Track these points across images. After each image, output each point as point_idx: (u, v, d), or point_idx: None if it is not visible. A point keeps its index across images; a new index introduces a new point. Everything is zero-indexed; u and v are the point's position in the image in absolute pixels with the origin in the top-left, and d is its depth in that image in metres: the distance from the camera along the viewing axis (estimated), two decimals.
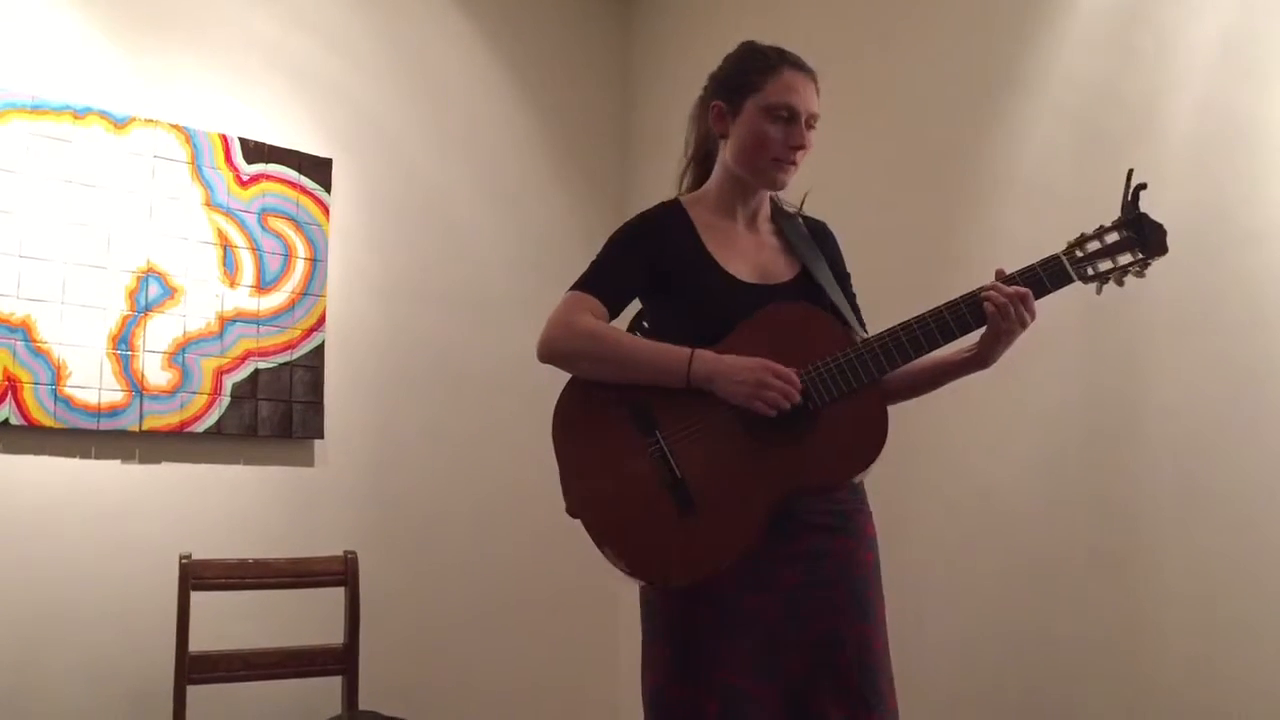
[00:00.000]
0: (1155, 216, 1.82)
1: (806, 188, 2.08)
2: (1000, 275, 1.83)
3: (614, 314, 1.95)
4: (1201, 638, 2.51)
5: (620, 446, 1.84)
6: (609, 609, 3.88)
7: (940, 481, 3.04)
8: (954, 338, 1.83)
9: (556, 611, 3.79)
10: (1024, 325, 1.80)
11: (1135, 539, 2.64)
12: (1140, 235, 1.80)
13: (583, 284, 1.96)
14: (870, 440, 1.81)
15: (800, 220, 2.06)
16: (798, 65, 1.96)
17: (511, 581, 3.70)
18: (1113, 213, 2.72)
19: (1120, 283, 1.82)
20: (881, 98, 3.31)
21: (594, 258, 2.00)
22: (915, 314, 1.83)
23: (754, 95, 1.93)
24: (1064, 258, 1.81)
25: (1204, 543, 2.52)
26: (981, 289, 1.81)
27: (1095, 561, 2.70)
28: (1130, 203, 1.81)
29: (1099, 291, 1.83)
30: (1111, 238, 1.81)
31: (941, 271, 3.08)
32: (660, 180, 4.03)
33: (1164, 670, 2.56)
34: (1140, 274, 1.82)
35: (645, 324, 2.03)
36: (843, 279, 2.05)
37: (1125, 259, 1.81)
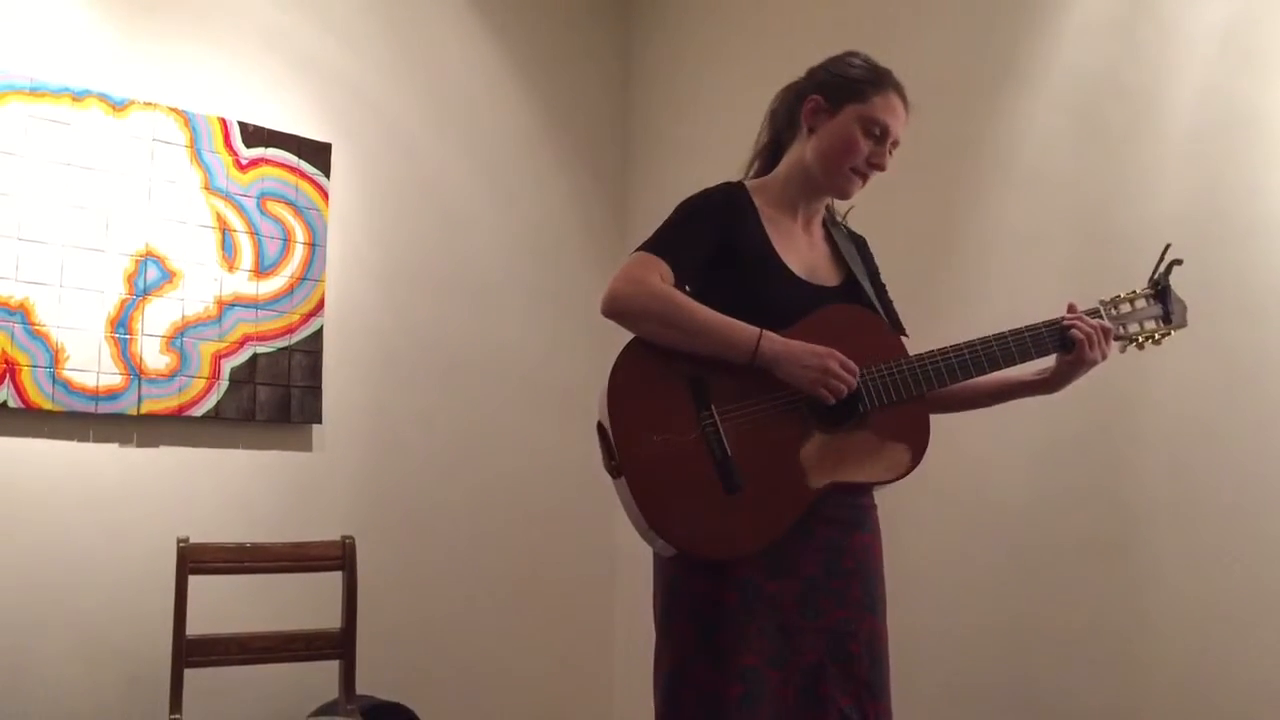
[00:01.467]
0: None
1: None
2: (1074, 308, 1.95)
3: (681, 283, 1.92)
4: (1197, 630, 2.51)
5: (675, 416, 1.83)
6: (606, 594, 3.89)
7: (936, 474, 3.01)
8: (1028, 359, 1.93)
9: (553, 596, 3.80)
10: (1104, 358, 1.93)
11: (1131, 532, 2.64)
12: (1165, 307, 1.97)
13: (653, 246, 1.92)
14: (912, 450, 1.88)
15: (846, 230, 2.12)
16: (903, 94, 1.99)
17: (508, 566, 3.71)
18: (1116, 202, 2.72)
19: (1141, 347, 1.98)
20: None
21: (664, 223, 1.97)
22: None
23: (857, 103, 1.95)
24: (1104, 309, 1.97)
25: (1200, 536, 2.52)
26: (1064, 318, 1.92)
27: (1091, 554, 2.71)
28: (1161, 275, 1.97)
29: (1123, 350, 1.98)
30: (1140, 304, 1.98)
31: (942, 261, 3.08)
32: (660, 166, 4.05)
33: (1160, 663, 2.57)
34: (1159, 343, 1.98)
35: None
36: (880, 290, 2.10)
37: (1150, 326, 1.98)
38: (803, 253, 2.00)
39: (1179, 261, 1.94)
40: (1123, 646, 2.63)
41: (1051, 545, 2.78)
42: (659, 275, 1.87)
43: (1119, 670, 2.64)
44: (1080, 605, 2.71)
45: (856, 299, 1.99)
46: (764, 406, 1.84)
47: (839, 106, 1.96)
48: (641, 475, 1.80)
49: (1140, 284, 2.00)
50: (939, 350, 1.90)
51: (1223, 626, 2.47)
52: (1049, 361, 1.97)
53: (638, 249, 1.92)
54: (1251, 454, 2.46)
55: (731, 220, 1.95)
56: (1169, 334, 1.98)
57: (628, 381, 1.85)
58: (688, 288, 1.94)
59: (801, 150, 2.00)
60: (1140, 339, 1.97)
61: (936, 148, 3.15)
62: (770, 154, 2.10)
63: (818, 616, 1.84)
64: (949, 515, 3.00)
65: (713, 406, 1.83)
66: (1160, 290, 1.97)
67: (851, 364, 1.83)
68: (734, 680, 1.78)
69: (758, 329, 1.84)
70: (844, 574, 1.87)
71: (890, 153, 1.98)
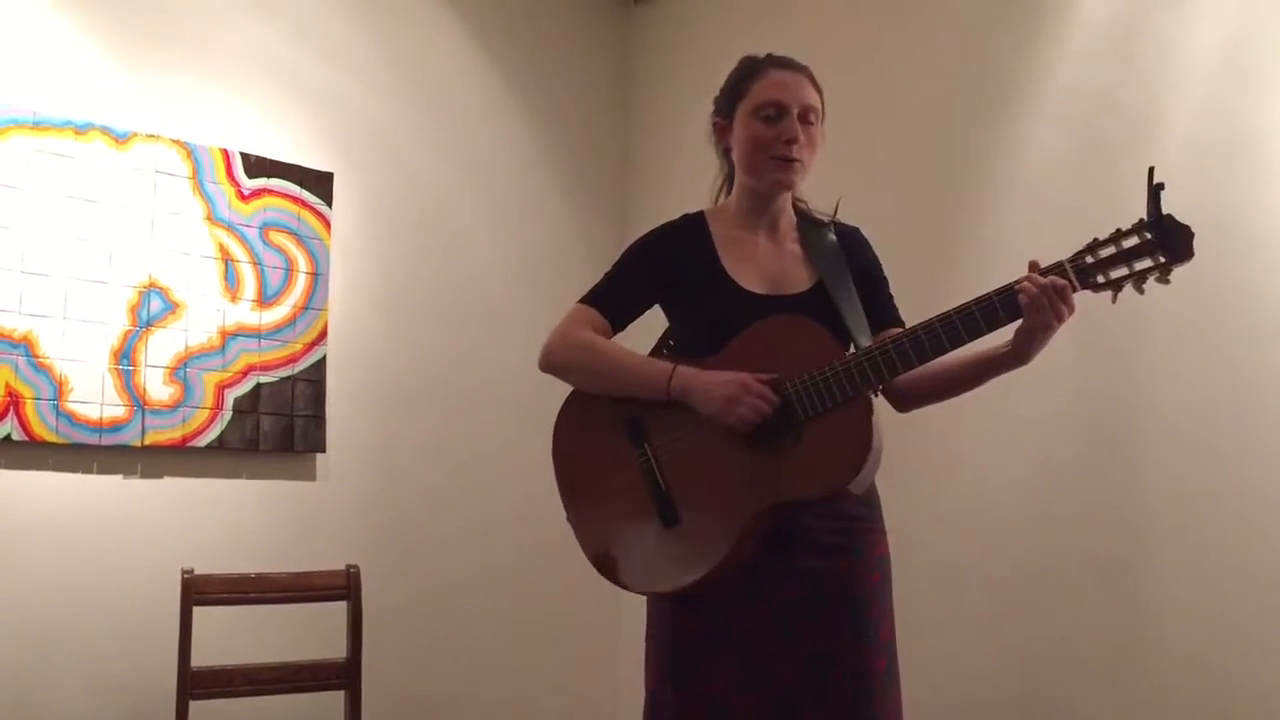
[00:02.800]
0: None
1: (838, 195, 2.06)
2: (1034, 267, 1.72)
3: (618, 327, 2.00)
4: (1201, 643, 2.50)
5: (612, 457, 1.89)
6: (611, 623, 3.87)
7: (939, 489, 3.03)
8: (979, 334, 1.73)
9: (558, 625, 3.78)
10: (1060, 319, 1.69)
11: (1134, 545, 2.63)
12: (1163, 238, 1.65)
13: (589, 297, 2.01)
14: (848, 455, 1.75)
15: (830, 229, 2.04)
16: (784, 64, 1.97)
17: (514, 595, 3.69)
18: (1115, 219, 2.71)
19: (1140, 289, 1.69)
20: (882, 106, 3.31)
21: (610, 267, 2.05)
22: (924, 318, 1.77)
23: (743, 101, 1.96)
24: (1068, 265, 1.70)
25: (1203, 549, 2.51)
26: (1016, 282, 1.71)
27: (1094, 568, 2.70)
28: (1152, 203, 1.66)
29: (1114, 300, 1.72)
30: (1129, 242, 1.67)
31: (942, 278, 3.07)
32: (661, 192, 4.06)
33: (1164, 676, 2.55)
34: (1163, 279, 1.67)
35: (671, 342, 2.04)
36: (877, 282, 2.02)
37: (1144, 264, 1.66)
38: (765, 264, 1.96)
39: (1161, 186, 1.65)
40: (1128, 663, 2.62)
41: (1056, 562, 2.77)
42: (590, 325, 1.95)
43: (1125, 687, 2.62)
44: (1085, 622, 2.70)
45: (820, 305, 1.91)
46: (698, 435, 1.83)
47: (731, 115, 1.99)
48: (585, 524, 1.90)
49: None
50: (876, 343, 1.78)
51: (1229, 642, 2.46)
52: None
53: (579, 300, 2.01)
54: (1256, 469, 2.45)
55: (673, 253, 1.98)
56: (1171, 269, 1.66)
57: (568, 432, 1.97)
58: (671, 341, 2.00)
59: (736, 169, 2.02)
60: (1130, 281, 1.67)
61: (935, 166, 3.16)
62: (729, 183, 2.10)
63: (795, 643, 1.79)
64: (953, 531, 2.99)
65: (646, 444, 1.87)
66: (1154, 221, 1.65)
67: (759, 386, 1.77)
68: (697, 706, 1.80)
69: (671, 365, 1.86)
70: (826, 599, 1.82)
71: (809, 120, 1.92)
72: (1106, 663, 2.65)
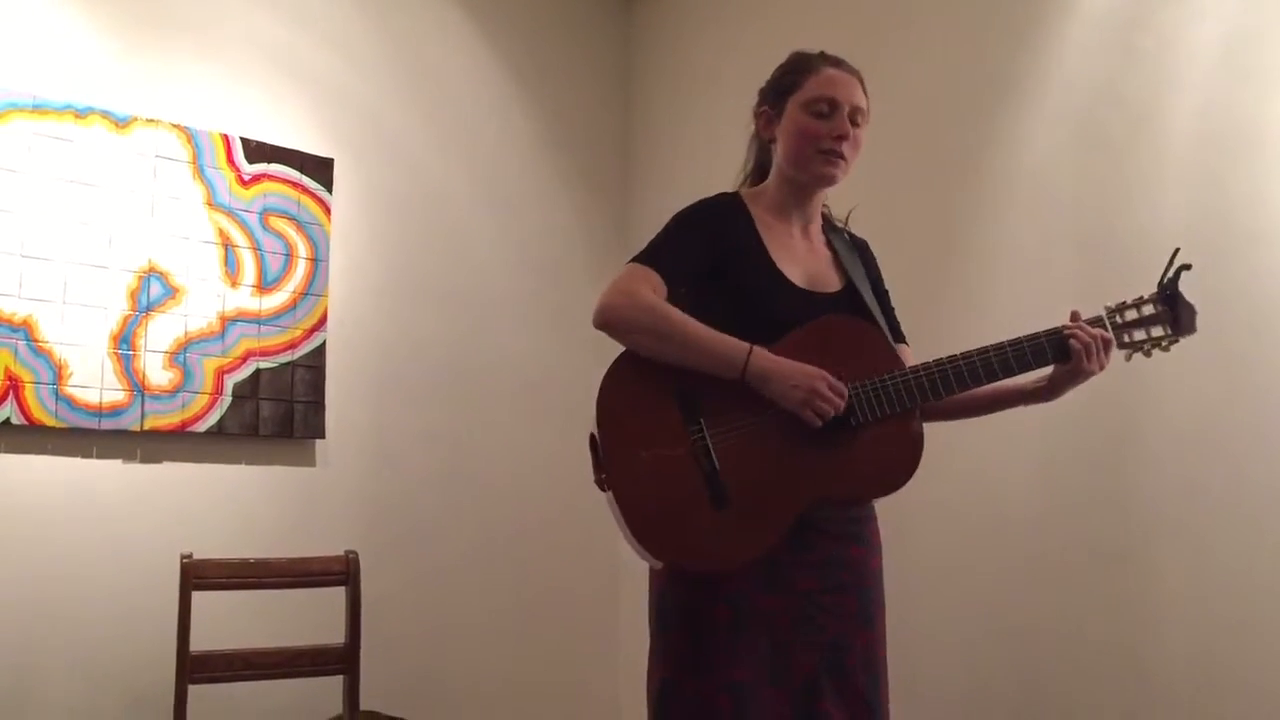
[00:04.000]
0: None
1: (851, 204, 2.09)
2: (1076, 317, 1.88)
3: (673, 294, 1.91)
4: (1203, 639, 2.51)
5: (664, 430, 1.83)
6: (610, 607, 3.88)
7: (941, 484, 3.03)
8: (1026, 370, 1.88)
9: (558, 610, 3.79)
10: (1101, 369, 1.86)
11: (1137, 541, 2.64)
12: (1174, 313, 1.86)
13: (646, 258, 1.92)
14: (902, 466, 1.85)
15: (847, 236, 2.08)
16: (838, 63, 1.99)
17: (512, 580, 3.70)
18: (1116, 213, 2.72)
19: (1148, 354, 1.89)
20: (882, 101, 3.28)
21: (657, 234, 1.96)
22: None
23: (795, 94, 1.96)
24: (1107, 319, 1.88)
25: (1206, 544, 2.52)
26: (1065, 327, 1.86)
27: (1097, 565, 2.70)
28: (1170, 280, 1.87)
29: (1128, 359, 1.91)
30: (1147, 310, 1.88)
31: (945, 273, 3.08)
32: (661, 181, 4.06)
33: (1166, 671, 2.56)
34: (1166, 349, 1.88)
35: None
36: (882, 296, 2.08)
37: (1157, 332, 1.87)
38: (801, 259, 1.98)
39: (1188, 266, 1.86)
40: (1130, 658, 2.63)
41: (1058, 556, 2.78)
42: (651, 287, 1.87)
43: (1126, 681, 2.63)
44: (1087, 616, 2.71)
45: (856, 306, 1.96)
46: (754, 421, 1.83)
47: (782, 106, 1.99)
48: (629, 490, 1.81)
49: (1146, 290, 1.91)
50: (934, 361, 1.86)
51: (1230, 637, 2.47)
52: (1048, 369, 1.93)
53: (631, 260, 1.92)
54: (1257, 464, 2.46)
55: (725, 229, 1.95)
56: (1177, 340, 1.88)
57: (617, 396, 1.86)
58: (684, 294, 1.92)
59: (778, 160, 2.01)
60: (1147, 347, 1.89)
61: (938, 161, 3.16)
62: (757, 174, 2.10)
63: (813, 631, 1.82)
64: (955, 526, 3.00)
65: (702, 421, 1.83)
66: (1168, 295, 1.87)
67: (840, 385, 1.80)
68: (722, 693, 1.78)
69: (748, 345, 1.82)
70: (840, 588, 1.85)
71: (856, 122, 1.95)
72: (1107, 657, 2.66)
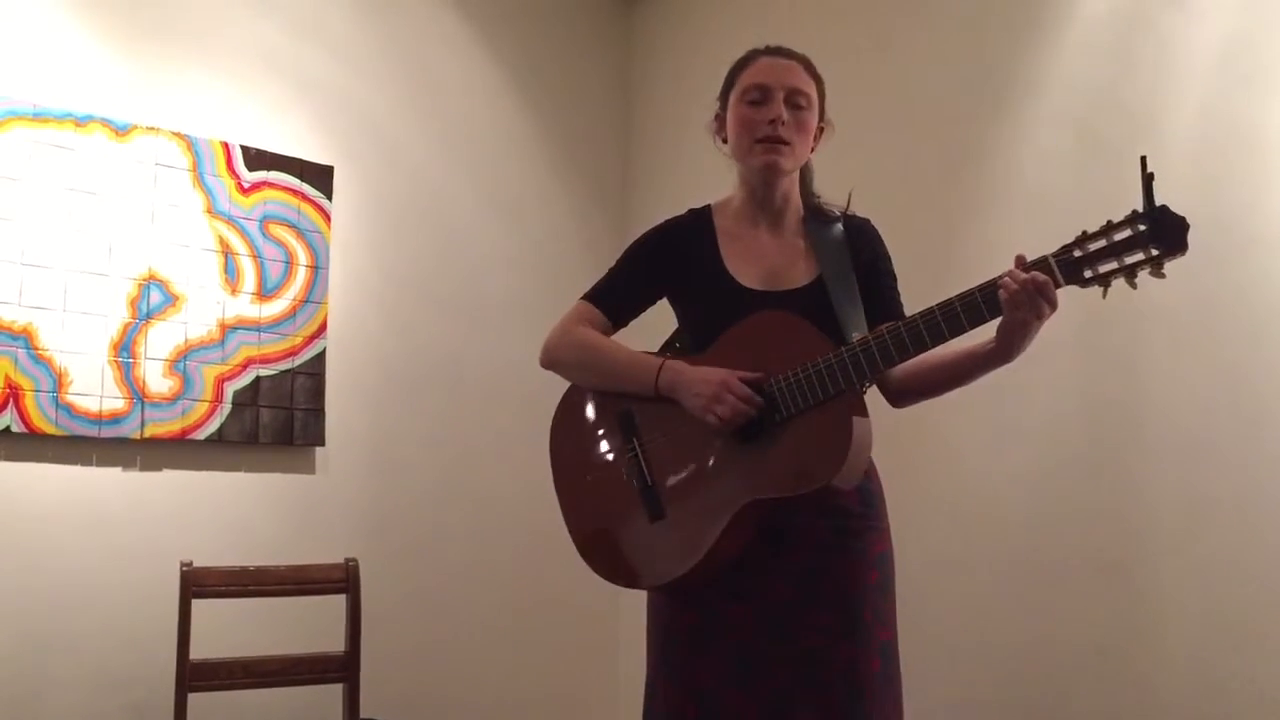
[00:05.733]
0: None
1: (849, 186, 2.03)
2: (1020, 262, 1.65)
3: (619, 325, 2.02)
4: (1203, 645, 2.50)
5: (603, 452, 1.92)
6: (609, 616, 3.88)
7: (940, 490, 3.03)
8: (962, 331, 1.68)
9: (557, 618, 3.79)
10: (1041, 317, 1.64)
11: (1136, 547, 2.63)
12: (1156, 229, 1.55)
13: (590, 294, 2.03)
14: (829, 454, 1.72)
15: (839, 223, 2.00)
16: (773, 51, 1.98)
17: (512, 588, 3.70)
18: (1116, 216, 2.70)
19: (1132, 283, 1.59)
20: (881, 105, 3.31)
21: (610, 266, 2.06)
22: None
23: (733, 91, 1.98)
24: (1053, 260, 1.63)
25: (1205, 550, 2.51)
26: (1000, 276, 1.65)
27: (1095, 572, 2.70)
28: (1146, 193, 1.57)
29: (1104, 295, 1.63)
30: (1121, 234, 1.58)
31: (941, 278, 3.07)
32: (661, 186, 4.06)
33: (1166, 678, 2.56)
34: (1157, 273, 1.57)
35: (677, 344, 2.03)
36: (880, 276, 1.98)
37: (1135, 257, 1.57)
38: (766, 258, 1.95)
39: (1152, 176, 1.57)
40: (1128, 664, 2.62)
41: (1056, 563, 2.77)
42: (589, 322, 1.98)
43: (1124, 688, 2.62)
44: (1085, 623, 2.70)
45: (816, 300, 1.88)
46: (685, 430, 1.84)
47: (725, 106, 2.00)
48: (576, 518, 1.93)
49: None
50: (861, 338, 1.74)
51: (1228, 643, 2.46)
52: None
53: (581, 296, 2.02)
54: (1255, 469, 2.45)
55: (674, 251, 1.98)
56: (1164, 262, 1.56)
57: (564, 428, 2.01)
58: (677, 344, 2.00)
59: (735, 162, 2.00)
60: (1123, 276, 1.59)
61: (935, 163, 3.16)
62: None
63: (786, 643, 1.78)
64: (955, 533, 2.99)
65: (635, 438, 1.89)
66: (1146, 212, 1.56)
67: (740, 387, 1.76)
68: (690, 702, 1.80)
69: (660, 361, 1.88)
70: (819, 599, 1.80)
71: (798, 104, 1.90)
72: (1105, 663, 2.66)
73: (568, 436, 2.00)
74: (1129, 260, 1.57)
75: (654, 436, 1.87)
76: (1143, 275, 1.59)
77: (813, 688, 1.76)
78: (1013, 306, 1.63)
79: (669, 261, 1.98)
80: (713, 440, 1.81)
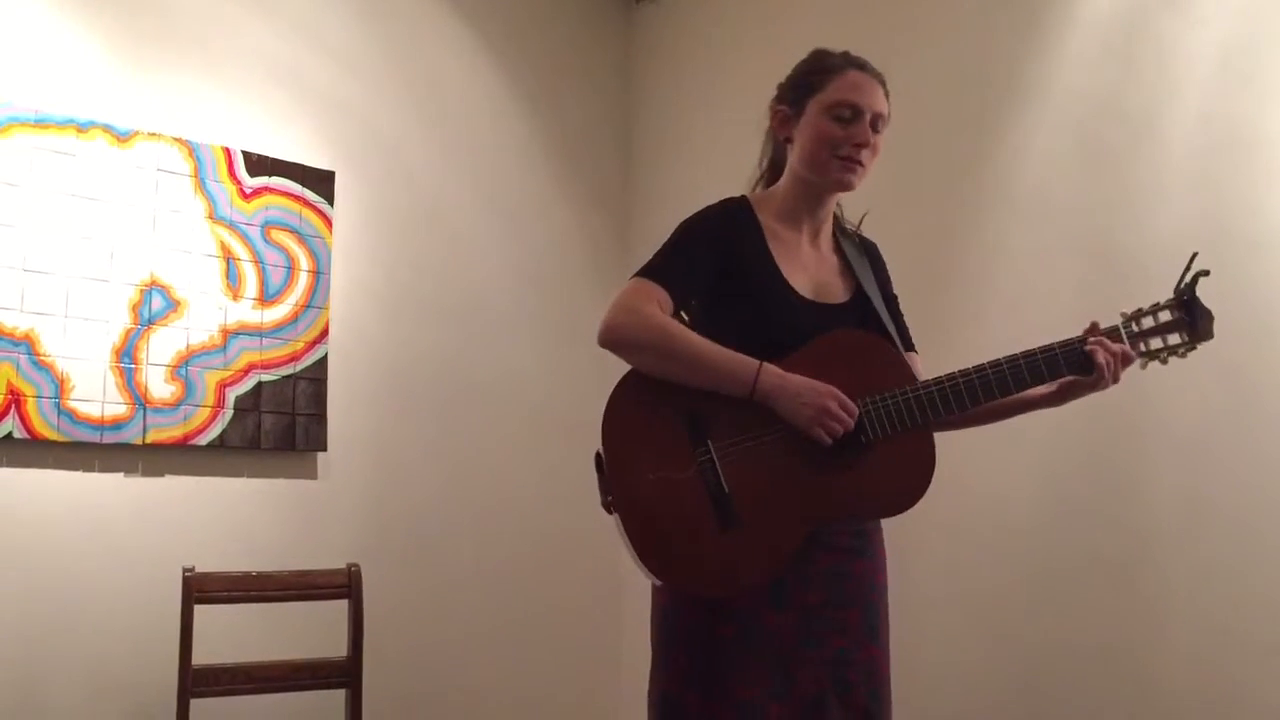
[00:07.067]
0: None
1: (863, 208, 2.06)
2: (1095, 329, 1.85)
3: (679, 308, 1.88)
4: (1209, 650, 2.50)
5: (671, 451, 1.78)
6: (613, 621, 3.88)
7: (943, 497, 3.01)
8: (1040, 383, 1.84)
9: (560, 623, 3.79)
10: (1116, 382, 1.84)
11: (1139, 550, 2.64)
12: (1191, 319, 1.83)
13: (651, 272, 1.86)
14: (913, 485, 1.81)
15: (857, 239, 2.03)
16: (863, 66, 1.93)
17: (515, 593, 3.70)
18: (1116, 222, 2.72)
19: (1165, 362, 1.86)
20: None
21: (663, 245, 1.91)
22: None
23: (816, 95, 1.90)
24: (1124, 330, 1.85)
25: (1208, 553, 2.52)
26: (1085, 340, 1.82)
27: (1099, 575, 2.70)
28: (1188, 286, 1.83)
29: (1144, 367, 1.87)
30: (1164, 316, 1.84)
31: (942, 283, 3.08)
32: (663, 190, 4.06)
33: (1169, 681, 2.56)
34: (1184, 356, 1.85)
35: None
36: (891, 301, 2.02)
37: (1174, 339, 1.84)
38: (810, 268, 1.93)
39: (1206, 272, 1.82)
40: (1133, 667, 2.62)
41: (1060, 566, 2.77)
42: (656, 304, 1.82)
43: (1130, 691, 2.62)
44: (1090, 626, 2.70)
45: (865, 317, 1.92)
46: (763, 440, 1.79)
47: (802, 105, 1.92)
48: (636, 513, 1.77)
49: (1160, 296, 1.87)
50: (947, 376, 1.81)
51: (1234, 646, 2.46)
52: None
53: (635, 274, 1.87)
54: (1258, 472, 2.46)
55: (731, 239, 1.89)
56: (1194, 347, 1.84)
57: (623, 416, 1.81)
58: (693, 304, 1.90)
59: (792, 161, 1.95)
60: (1164, 355, 1.85)
61: (938, 170, 3.16)
62: (772, 173, 2.05)
63: (819, 646, 1.80)
64: (957, 537, 2.99)
65: (709, 441, 1.78)
66: (1185, 301, 1.82)
67: (850, 404, 1.76)
68: (728, 710, 1.75)
69: (757, 362, 1.78)
70: (845, 602, 1.83)
71: (876, 128, 1.90)
72: (1108, 665, 2.66)
73: (627, 425, 1.82)
74: (1171, 341, 1.84)
75: (728, 441, 1.78)
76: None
77: (841, 688, 1.79)
78: (1107, 372, 1.81)
79: (727, 247, 1.89)
80: (792, 454, 1.78)
